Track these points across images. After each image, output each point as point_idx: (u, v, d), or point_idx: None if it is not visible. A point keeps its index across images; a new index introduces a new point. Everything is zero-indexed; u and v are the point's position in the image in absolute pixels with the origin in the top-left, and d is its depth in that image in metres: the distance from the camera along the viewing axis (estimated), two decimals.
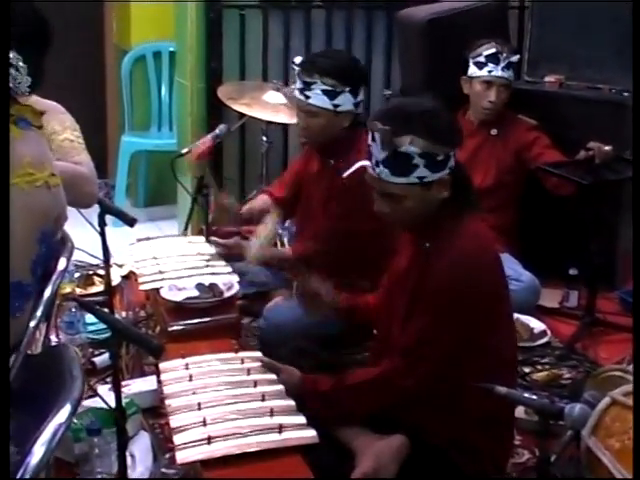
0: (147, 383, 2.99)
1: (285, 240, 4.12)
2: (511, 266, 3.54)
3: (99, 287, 3.82)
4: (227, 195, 3.48)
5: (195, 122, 4.64)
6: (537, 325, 3.66)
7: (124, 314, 3.57)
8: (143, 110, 5.53)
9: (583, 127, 3.94)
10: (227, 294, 2.86)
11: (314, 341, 2.69)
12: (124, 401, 2.19)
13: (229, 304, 2.85)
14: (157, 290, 2.90)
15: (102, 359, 3.20)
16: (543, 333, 3.64)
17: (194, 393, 2.19)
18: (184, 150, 3.64)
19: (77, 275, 3.87)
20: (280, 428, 2.04)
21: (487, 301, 2.19)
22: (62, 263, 1.95)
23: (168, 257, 3.09)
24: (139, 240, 3.31)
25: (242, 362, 2.37)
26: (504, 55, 3.88)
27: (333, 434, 2.24)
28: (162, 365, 2.36)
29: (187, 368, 2.33)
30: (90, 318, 3.23)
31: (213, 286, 2.86)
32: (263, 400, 2.15)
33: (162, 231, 4.78)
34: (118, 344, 2.62)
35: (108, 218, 2.90)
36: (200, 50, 4.60)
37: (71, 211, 2.07)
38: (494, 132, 4.02)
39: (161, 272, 2.97)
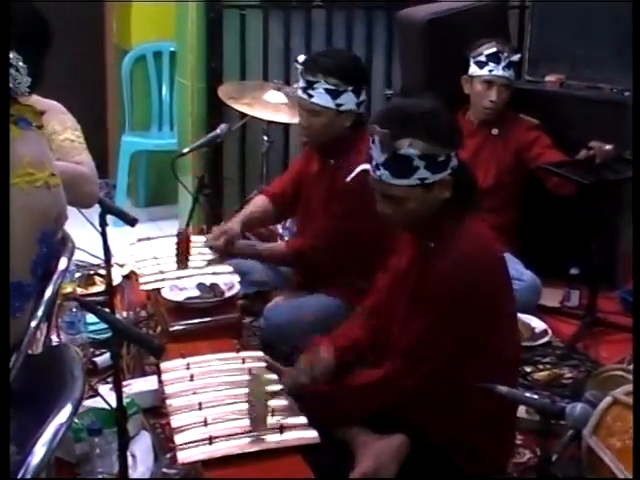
0: (148, 383, 2.99)
1: (286, 240, 4.12)
2: (512, 265, 3.52)
3: (100, 287, 3.81)
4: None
5: (196, 122, 4.64)
6: (538, 324, 3.66)
7: (125, 314, 3.57)
8: (144, 110, 5.53)
9: (584, 127, 3.93)
10: (228, 294, 2.86)
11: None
12: (125, 401, 2.18)
13: (230, 304, 2.85)
14: (158, 290, 2.90)
15: (103, 359, 3.20)
16: (544, 332, 3.63)
17: (195, 393, 2.19)
18: (185, 150, 3.64)
19: (78, 275, 3.87)
20: (281, 428, 2.04)
21: (488, 301, 2.19)
22: (63, 263, 1.95)
23: (169, 257, 3.09)
24: (140, 240, 3.31)
25: (243, 362, 2.37)
26: (505, 55, 3.88)
27: (333, 434, 2.23)
28: (163, 365, 2.36)
29: (188, 368, 2.34)
30: (91, 318, 3.23)
31: (214, 286, 2.86)
32: None
33: (163, 231, 4.77)
34: (119, 344, 2.62)
35: (109, 218, 2.89)
36: (201, 50, 4.60)
37: (72, 211, 2.07)
38: (495, 132, 4.01)
39: (162, 272, 2.97)
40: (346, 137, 2.99)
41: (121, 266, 4.02)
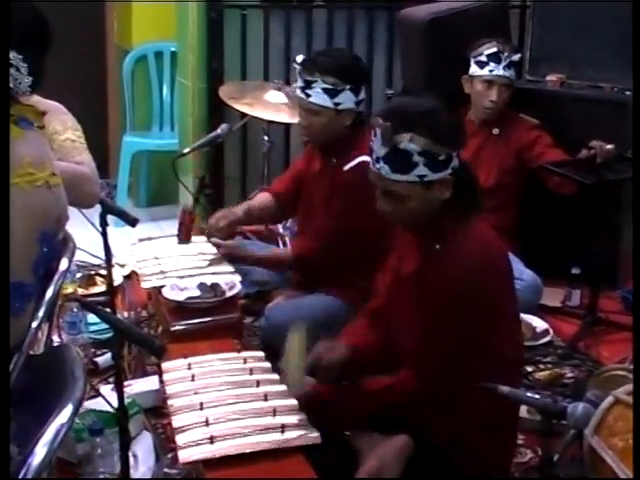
0: (149, 383, 2.99)
1: (287, 240, 4.12)
2: (513, 265, 3.49)
3: (101, 287, 3.81)
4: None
5: (196, 122, 4.64)
6: (539, 324, 3.66)
7: (126, 314, 3.57)
8: (144, 110, 5.53)
9: (585, 126, 3.93)
10: (229, 294, 2.86)
11: (316, 341, 2.68)
12: (126, 401, 2.18)
13: (231, 304, 2.86)
14: (159, 290, 2.90)
15: (104, 359, 3.20)
16: (545, 332, 3.63)
17: (196, 393, 2.19)
18: (186, 150, 3.64)
19: (79, 275, 3.86)
20: (282, 428, 2.04)
21: (494, 301, 2.18)
22: (64, 263, 1.95)
23: (170, 257, 3.09)
24: (141, 240, 3.31)
25: (244, 362, 2.37)
26: (505, 54, 3.87)
27: (336, 434, 2.23)
28: (164, 365, 2.36)
29: (189, 368, 2.34)
30: (92, 318, 3.22)
31: (215, 286, 2.86)
32: (265, 400, 2.15)
33: (164, 231, 4.76)
34: (120, 344, 2.61)
35: (110, 218, 2.89)
36: (201, 50, 4.60)
37: (72, 211, 2.07)
38: (496, 132, 4.01)
39: (163, 272, 2.97)
40: (347, 136, 2.99)
41: (122, 266, 4.02)
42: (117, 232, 3.21)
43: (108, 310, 2.69)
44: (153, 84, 5.50)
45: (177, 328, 2.72)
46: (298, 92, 3.00)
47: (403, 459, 2.18)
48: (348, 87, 2.93)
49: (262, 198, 3.36)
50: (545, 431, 1.92)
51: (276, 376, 2.29)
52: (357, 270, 2.96)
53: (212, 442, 1.98)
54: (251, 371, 2.30)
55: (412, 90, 4.27)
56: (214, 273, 2.96)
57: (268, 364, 2.39)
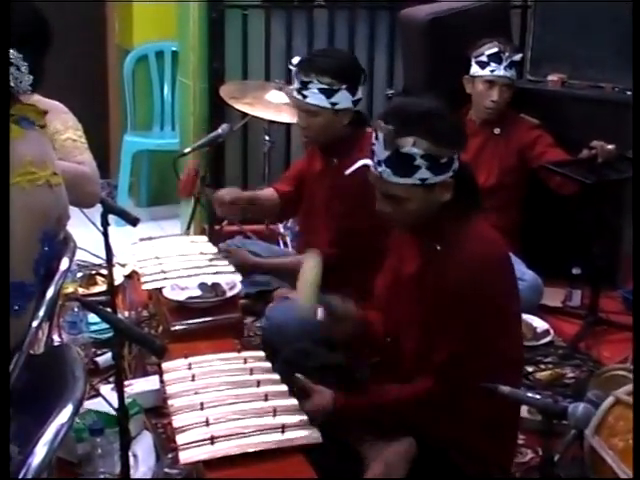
0: (150, 383, 2.99)
1: (288, 240, 4.13)
2: (514, 266, 3.53)
3: (102, 287, 3.82)
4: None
5: (197, 122, 4.64)
6: (540, 324, 3.66)
7: (127, 314, 3.56)
8: (145, 110, 5.53)
9: (586, 126, 3.93)
10: (229, 294, 2.86)
11: (317, 341, 2.68)
12: (127, 401, 2.18)
13: (231, 304, 2.85)
14: (160, 290, 2.90)
15: (105, 359, 3.20)
16: (546, 332, 3.63)
17: (197, 393, 2.19)
18: (186, 150, 3.64)
19: (80, 275, 3.87)
20: (283, 428, 2.04)
21: (495, 302, 2.18)
22: (65, 263, 1.95)
23: (170, 257, 3.08)
24: (141, 240, 3.31)
25: (245, 362, 2.37)
26: (506, 54, 3.87)
27: (338, 435, 2.23)
28: (165, 365, 2.36)
29: (190, 368, 2.33)
30: (93, 318, 3.23)
31: (215, 286, 2.86)
32: (266, 400, 2.15)
33: (164, 231, 4.78)
34: (121, 344, 2.61)
35: (111, 218, 2.89)
36: (202, 50, 4.60)
37: (73, 211, 2.07)
38: (497, 131, 4.01)
39: (163, 272, 2.96)
40: (348, 136, 2.98)
41: (123, 266, 4.02)
42: (118, 232, 3.21)
43: (109, 310, 2.70)
44: (154, 84, 5.50)
45: (178, 328, 2.72)
46: (295, 93, 3.00)
47: (408, 461, 2.18)
48: (344, 87, 2.93)
49: (268, 193, 3.36)
50: (546, 431, 1.92)
51: (276, 376, 2.29)
52: (358, 270, 2.95)
53: (212, 442, 1.98)
54: (251, 371, 2.30)
55: (413, 90, 4.27)
56: (215, 273, 2.96)
57: (268, 364, 2.39)
